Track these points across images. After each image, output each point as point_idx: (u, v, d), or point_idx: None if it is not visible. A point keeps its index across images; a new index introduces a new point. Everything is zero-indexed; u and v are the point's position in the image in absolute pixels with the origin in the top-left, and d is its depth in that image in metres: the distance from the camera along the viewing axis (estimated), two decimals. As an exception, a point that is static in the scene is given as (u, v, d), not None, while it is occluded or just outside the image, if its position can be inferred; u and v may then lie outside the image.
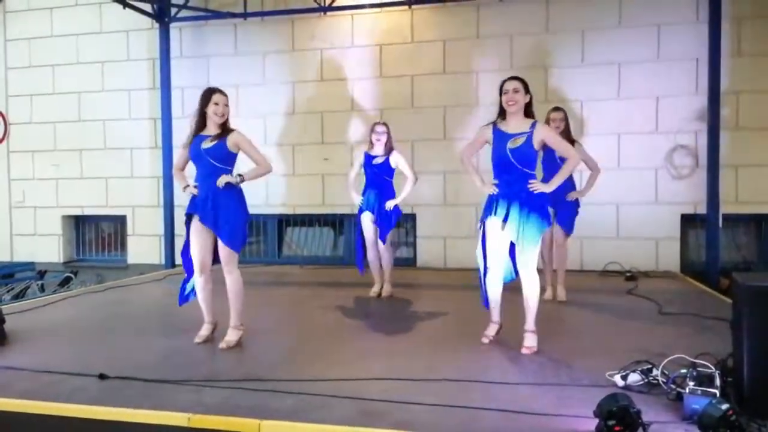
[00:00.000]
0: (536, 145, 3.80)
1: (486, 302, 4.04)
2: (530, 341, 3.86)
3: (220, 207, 3.96)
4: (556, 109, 5.36)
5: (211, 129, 4.03)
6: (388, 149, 5.67)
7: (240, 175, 3.99)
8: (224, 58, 8.54)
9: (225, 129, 4.03)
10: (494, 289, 3.98)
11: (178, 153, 4.39)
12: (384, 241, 5.70)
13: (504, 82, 3.87)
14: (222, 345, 4.00)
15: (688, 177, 7.27)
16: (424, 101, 7.95)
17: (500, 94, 3.85)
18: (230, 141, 4.01)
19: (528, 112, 3.85)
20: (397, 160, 5.68)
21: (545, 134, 3.83)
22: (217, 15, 8.34)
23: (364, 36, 8.14)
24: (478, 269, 4.04)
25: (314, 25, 8.27)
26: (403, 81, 8.02)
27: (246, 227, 4.07)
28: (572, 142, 5.15)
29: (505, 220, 3.80)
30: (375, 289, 5.87)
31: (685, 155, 7.27)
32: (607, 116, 7.35)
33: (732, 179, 7.15)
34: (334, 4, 8.00)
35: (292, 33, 8.35)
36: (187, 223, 4.10)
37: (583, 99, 7.46)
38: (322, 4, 8.01)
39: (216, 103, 3.98)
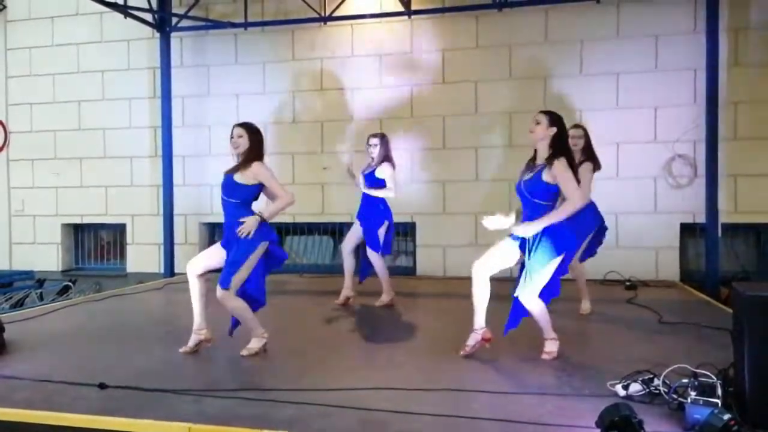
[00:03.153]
0: (547, 179, 3.74)
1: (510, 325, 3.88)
2: (549, 346, 3.87)
3: (234, 239, 3.94)
4: (576, 126, 5.25)
5: (237, 161, 4.03)
6: (380, 160, 5.63)
7: (259, 213, 3.92)
8: (225, 67, 8.57)
9: (246, 160, 3.96)
10: (476, 290, 3.85)
11: None
12: (374, 250, 5.63)
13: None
14: (243, 352, 3.99)
15: (687, 186, 7.29)
16: (424, 111, 7.98)
17: None
18: (244, 172, 3.93)
19: (555, 145, 3.79)
20: (383, 171, 5.59)
21: (555, 173, 3.70)
22: (218, 25, 8.39)
23: (363, 46, 8.18)
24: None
25: (314, 35, 8.31)
26: (402, 90, 8.05)
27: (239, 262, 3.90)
28: (593, 160, 5.11)
29: (521, 247, 3.80)
30: (341, 297, 5.85)
31: (683, 165, 7.30)
32: (606, 126, 7.36)
33: (731, 189, 7.18)
34: (334, 15, 8.05)
35: (293, 43, 8.39)
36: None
37: (581, 109, 7.48)
38: (322, 15, 8.06)
39: (231, 137, 4.01)
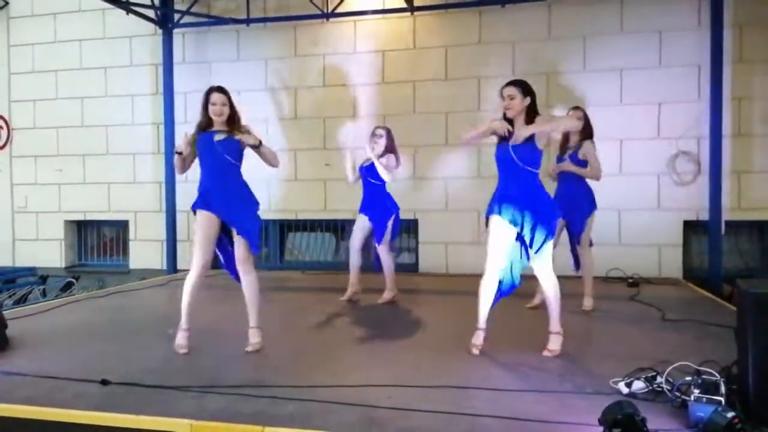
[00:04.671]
0: (536, 142, 3.75)
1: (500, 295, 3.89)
2: (553, 344, 3.85)
3: (236, 200, 3.95)
4: (576, 108, 5.26)
5: (219, 126, 3.98)
6: (384, 152, 5.60)
7: (260, 142, 3.95)
8: (227, 63, 8.56)
9: (234, 125, 3.97)
10: (487, 291, 3.86)
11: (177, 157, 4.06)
12: (379, 242, 5.63)
13: (502, 88, 3.84)
14: (249, 348, 3.99)
15: (690, 183, 7.27)
16: (426, 107, 7.97)
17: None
18: (241, 134, 3.93)
19: (530, 114, 3.77)
20: (387, 160, 5.59)
21: (535, 127, 3.69)
22: (220, 21, 8.37)
23: (366, 42, 8.17)
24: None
25: (317, 31, 8.30)
26: (405, 87, 8.03)
27: (259, 226, 4.03)
28: (590, 137, 5.15)
29: (516, 224, 3.77)
30: (348, 293, 5.84)
31: (687, 161, 7.27)
32: (609, 122, 7.32)
33: (735, 186, 7.15)
34: (337, 11, 8.03)
35: (295, 39, 8.37)
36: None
37: (585, 105, 7.43)
38: (325, 11, 8.04)
39: (213, 104, 3.94)
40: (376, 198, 5.66)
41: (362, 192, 5.77)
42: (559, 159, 5.24)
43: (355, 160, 5.79)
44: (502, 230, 3.81)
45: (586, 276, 5.29)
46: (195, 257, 3.97)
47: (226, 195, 3.95)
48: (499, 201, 3.82)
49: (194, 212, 4.01)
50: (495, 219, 3.82)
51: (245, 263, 3.98)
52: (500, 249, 3.84)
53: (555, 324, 3.88)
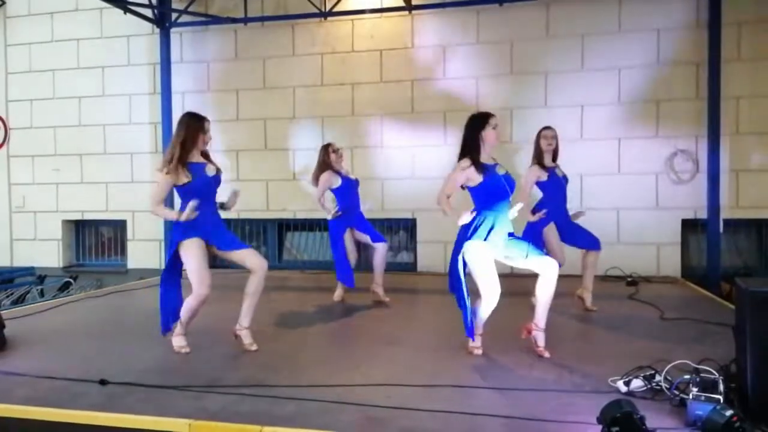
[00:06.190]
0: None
1: (471, 332, 3.88)
2: (542, 339, 3.85)
3: (219, 223, 4.07)
4: (549, 127, 5.21)
5: (197, 156, 3.99)
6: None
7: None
8: (224, 63, 8.55)
9: (208, 155, 4.10)
10: (490, 309, 3.86)
11: (163, 182, 3.93)
12: (384, 240, 5.83)
13: (494, 120, 3.99)
14: (254, 347, 4.02)
15: (688, 182, 7.27)
16: (425, 106, 7.96)
17: (483, 131, 3.98)
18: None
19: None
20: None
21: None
22: (218, 20, 8.36)
23: (364, 41, 8.16)
24: (464, 295, 3.84)
25: (314, 30, 8.29)
26: (403, 86, 8.03)
27: None
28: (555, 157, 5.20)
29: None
30: (339, 293, 5.92)
31: (685, 160, 7.28)
32: (608, 121, 7.37)
33: (733, 184, 7.16)
34: (335, 10, 8.03)
35: (293, 38, 8.36)
36: (173, 254, 3.95)
37: (583, 104, 7.46)
38: (323, 10, 8.03)
39: (206, 132, 4.02)
40: (357, 202, 5.88)
41: (344, 204, 5.81)
42: (551, 171, 5.19)
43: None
44: (487, 254, 3.83)
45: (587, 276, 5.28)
46: (200, 283, 3.87)
47: (213, 219, 4.01)
48: (491, 230, 3.87)
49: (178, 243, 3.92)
50: (479, 245, 3.84)
51: (263, 269, 3.98)
52: (492, 271, 3.81)
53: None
